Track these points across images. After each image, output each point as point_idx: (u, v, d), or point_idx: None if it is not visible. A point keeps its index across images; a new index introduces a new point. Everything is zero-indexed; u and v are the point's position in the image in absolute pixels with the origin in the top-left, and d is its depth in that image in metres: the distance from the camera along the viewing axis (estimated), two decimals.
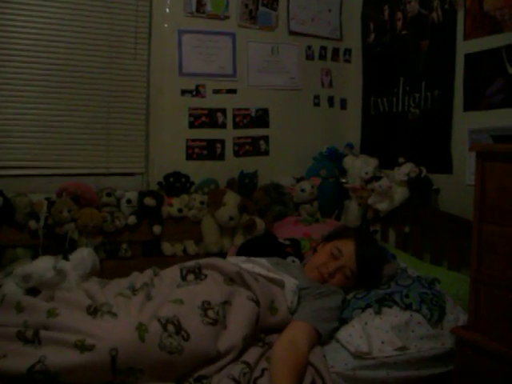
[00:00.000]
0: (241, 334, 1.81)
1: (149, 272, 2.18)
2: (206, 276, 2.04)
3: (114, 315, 1.69)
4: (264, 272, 2.16)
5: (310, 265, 2.38)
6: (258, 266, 2.21)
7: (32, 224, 2.68)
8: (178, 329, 1.69)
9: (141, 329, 1.61)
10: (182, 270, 2.08)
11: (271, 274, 2.16)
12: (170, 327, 1.68)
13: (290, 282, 2.14)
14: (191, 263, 2.12)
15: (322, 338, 1.97)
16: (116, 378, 1.56)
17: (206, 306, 1.83)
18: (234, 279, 2.03)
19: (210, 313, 1.81)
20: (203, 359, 1.70)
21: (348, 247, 2.29)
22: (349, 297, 2.23)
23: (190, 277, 2.05)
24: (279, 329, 1.98)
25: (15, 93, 2.93)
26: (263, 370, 1.74)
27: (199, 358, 1.69)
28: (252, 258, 2.35)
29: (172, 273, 2.11)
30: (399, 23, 3.26)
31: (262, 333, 1.96)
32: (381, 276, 2.33)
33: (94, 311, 1.73)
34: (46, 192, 2.85)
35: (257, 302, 1.94)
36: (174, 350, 1.63)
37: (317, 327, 1.96)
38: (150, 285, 2.02)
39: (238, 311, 1.89)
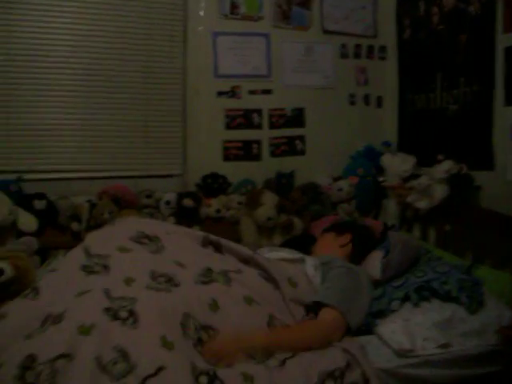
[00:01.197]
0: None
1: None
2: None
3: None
4: (285, 255, 2.26)
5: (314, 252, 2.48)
6: (279, 252, 2.33)
7: (74, 226, 2.75)
8: None
9: None
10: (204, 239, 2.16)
11: (291, 255, 2.26)
12: None
13: (310, 259, 2.21)
14: (214, 237, 2.18)
15: (351, 328, 1.97)
16: None
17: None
18: (249, 261, 2.09)
19: None
20: None
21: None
22: (381, 290, 2.21)
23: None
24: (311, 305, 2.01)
25: (56, 98, 3.03)
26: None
27: None
28: (275, 247, 2.50)
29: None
30: (435, 18, 3.22)
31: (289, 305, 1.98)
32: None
33: None
34: (88, 194, 2.92)
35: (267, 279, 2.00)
36: None
37: (346, 317, 1.95)
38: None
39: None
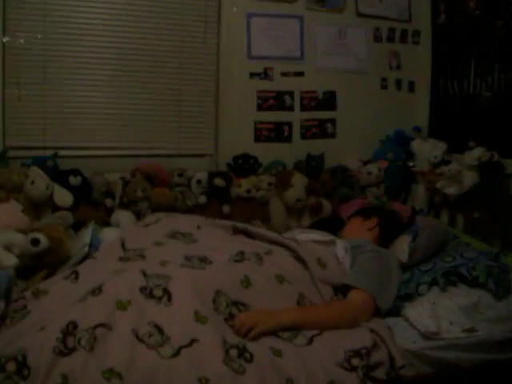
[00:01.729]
0: None
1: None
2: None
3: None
4: (316, 237, 2.30)
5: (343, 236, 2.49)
6: (310, 233, 2.38)
7: (108, 202, 2.82)
8: None
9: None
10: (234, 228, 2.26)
11: (322, 237, 2.30)
12: None
13: (341, 241, 2.25)
14: (241, 225, 2.29)
15: (382, 311, 2.00)
16: None
17: None
18: (278, 243, 2.15)
19: None
20: None
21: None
22: (409, 274, 2.23)
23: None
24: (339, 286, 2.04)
25: (91, 77, 3.08)
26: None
27: None
28: (306, 229, 2.54)
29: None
30: (472, 3, 3.18)
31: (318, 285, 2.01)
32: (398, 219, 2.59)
33: None
34: (121, 172, 2.97)
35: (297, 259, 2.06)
36: None
37: (376, 300, 1.98)
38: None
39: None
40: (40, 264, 2.15)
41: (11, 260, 2.04)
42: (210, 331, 1.60)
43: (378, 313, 1.98)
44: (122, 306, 1.59)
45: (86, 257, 2.22)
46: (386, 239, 2.46)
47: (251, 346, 1.62)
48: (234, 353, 1.57)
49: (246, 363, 1.55)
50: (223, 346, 1.57)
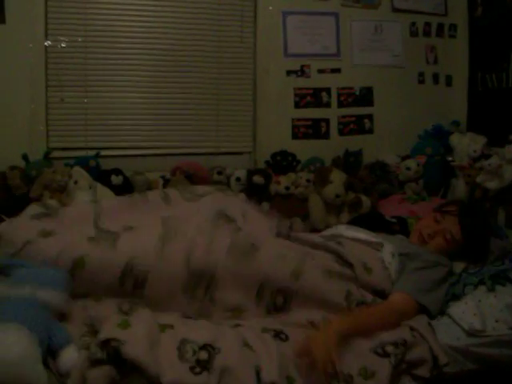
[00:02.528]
0: None
1: None
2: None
3: None
4: (364, 236, 2.19)
5: (413, 229, 2.39)
6: (358, 232, 2.26)
7: None
8: None
9: None
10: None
11: (370, 238, 2.18)
12: None
13: (389, 246, 2.14)
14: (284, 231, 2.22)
15: (428, 309, 1.96)
16: None
17: None
18: (318, 246, 2.08)
19: None
20: None
21: (451, 212, 2.27)
22: (458, 270, 2.20)
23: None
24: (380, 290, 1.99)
25: (131, 78, 3.14)
26: None
27: None
28: (353, 226, 2.39)
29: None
30: None
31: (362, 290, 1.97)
32: (486, 248, 2.26)
33: None
34: (162, 171, 3.02)
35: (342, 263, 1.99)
36: None
37: (417, 298, 1.95)
38: None
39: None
40: None
41: None
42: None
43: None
44: None
45: None
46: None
47: (287, 330, 1.67)
48: (271, 333, 1.63)
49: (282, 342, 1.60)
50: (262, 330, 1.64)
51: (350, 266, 1.98)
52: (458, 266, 2.23)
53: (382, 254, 2.09)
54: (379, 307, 1.91)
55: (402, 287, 1.99)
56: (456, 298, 2.07)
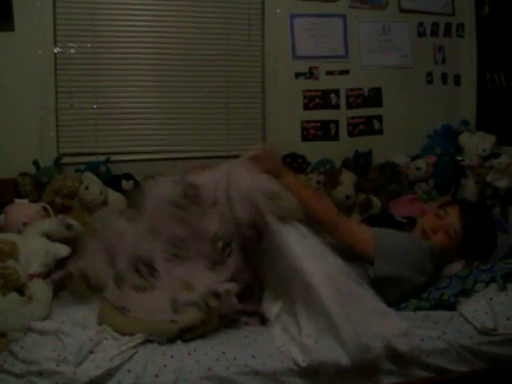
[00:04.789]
0: None
1: None
2: None
3: None
4: None
5: (417, 226, 2.35)
6: None
7: None
8: None
9: None
10: None
11: None
12: None
13: None
14: None
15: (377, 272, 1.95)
16: None
17: None
18: None
19: None
20: None
21: (453, 208, 2.23)
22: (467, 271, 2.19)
23: None
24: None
25: (140, 83, 3.15)
26: None
27: None
28: None
29: None
30: None
31: None
32: (489, 244, 2.23)
33: None
34: (172, 175, 3.00)
35: None
36: None
37: (375, 254, 1.95)
38: None
39: None
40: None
41: (65, 249, 2.09)
42: None
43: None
44: None
45: None
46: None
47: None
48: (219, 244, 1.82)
49: None
50: None
51: None
52: (456, 267, 2.20)
53: None
54: (332, 205, 2.01)
55: (375, 231, 2.01)
56: (466, 293, 2.07)
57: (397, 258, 1.98)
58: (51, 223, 2.23)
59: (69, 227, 2.21)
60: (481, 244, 2.21)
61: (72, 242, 2.17)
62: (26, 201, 2.68)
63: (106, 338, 1.65)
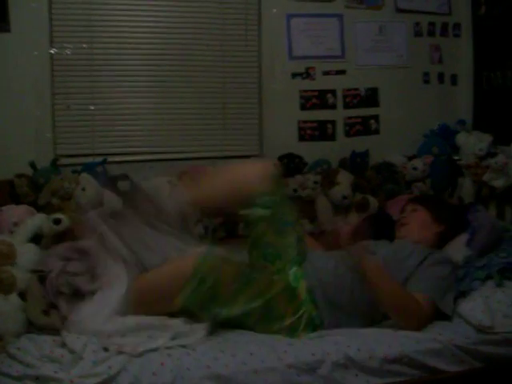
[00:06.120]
0: None
1: None
2: None
3: None
4: None
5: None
6: None
7: None
8: None
9: None
10: None
11: None
12: None
13: None
14: None
15: (441, 307, 1.99)
16: None
17: None
18: None
19: None
20: None
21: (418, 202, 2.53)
22: (463, 271, 2.20)
23: None
24: None
25: (136, 83, 3.14)
26: None
27: None
28: None
29: None
30: None
31: None
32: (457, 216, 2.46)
33: None
34: (168, 175, 3.01)
35: None
36: None
37: (434, 297, 1.98)
38: None
39: None
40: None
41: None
42: None
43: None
44: None
45: None
46: (445, 242, 2.42)
47: None
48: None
49: None
50: None
51: None
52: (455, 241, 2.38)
53: None
54: (411, 295, 1.95)
55: (418, 288, 2.00)
56: (464, 294, 2.08)
57: (447, 287, 2.06)
58: (40, 220, 2.29)
59: (57, 222, 2.25)
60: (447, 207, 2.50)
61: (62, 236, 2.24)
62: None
63: (105, 347, 1.65)
